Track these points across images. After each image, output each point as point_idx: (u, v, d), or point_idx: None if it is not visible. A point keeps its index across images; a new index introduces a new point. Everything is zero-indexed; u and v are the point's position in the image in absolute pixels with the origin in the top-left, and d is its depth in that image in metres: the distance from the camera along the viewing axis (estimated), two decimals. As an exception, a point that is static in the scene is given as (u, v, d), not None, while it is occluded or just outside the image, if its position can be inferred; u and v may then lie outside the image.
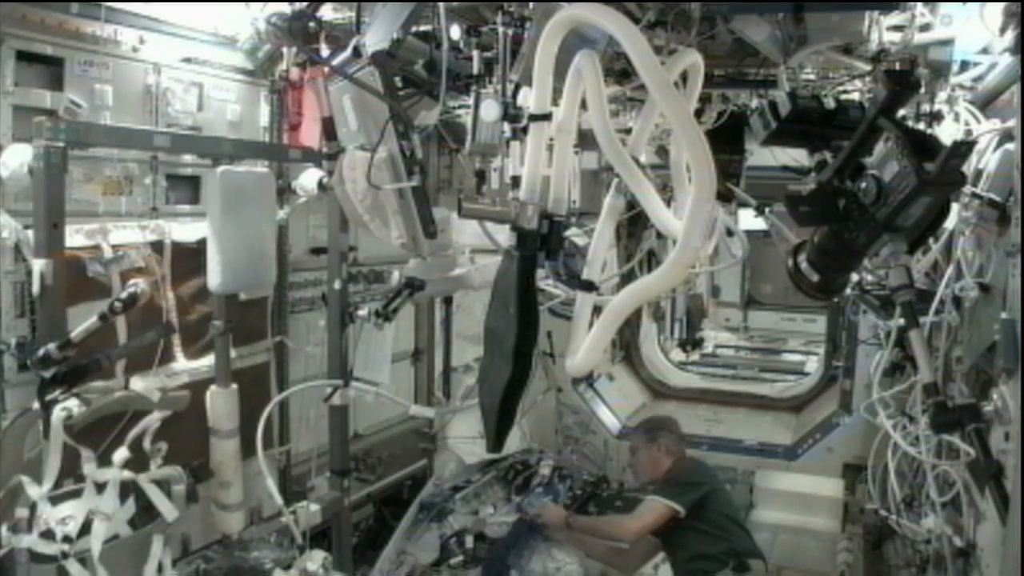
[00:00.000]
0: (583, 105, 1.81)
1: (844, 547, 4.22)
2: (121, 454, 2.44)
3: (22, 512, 2.31)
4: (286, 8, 2.57)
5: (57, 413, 2.30)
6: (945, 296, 3.25)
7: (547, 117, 1.79)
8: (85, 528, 2.32)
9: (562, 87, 1.82)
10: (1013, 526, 1.89)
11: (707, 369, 7.46)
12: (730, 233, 3.35)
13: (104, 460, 2.45)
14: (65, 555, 2.26)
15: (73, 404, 2.33)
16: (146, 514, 2.48)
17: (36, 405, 2.36)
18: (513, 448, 5.19)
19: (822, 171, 1.38)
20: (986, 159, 2.89)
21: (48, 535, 2.27)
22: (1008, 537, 1.99)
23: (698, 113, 3.84)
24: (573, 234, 4.35)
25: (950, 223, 3.30)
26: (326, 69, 2.26)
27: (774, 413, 5.95)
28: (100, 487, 2.39)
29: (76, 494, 2.36)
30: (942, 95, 3.29)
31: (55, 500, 2.32)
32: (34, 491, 2.31)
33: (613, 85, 3.10)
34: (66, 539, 2.26)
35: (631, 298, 1.72)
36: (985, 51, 3.06)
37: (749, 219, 3.98)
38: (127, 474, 2.45)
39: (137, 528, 2.44)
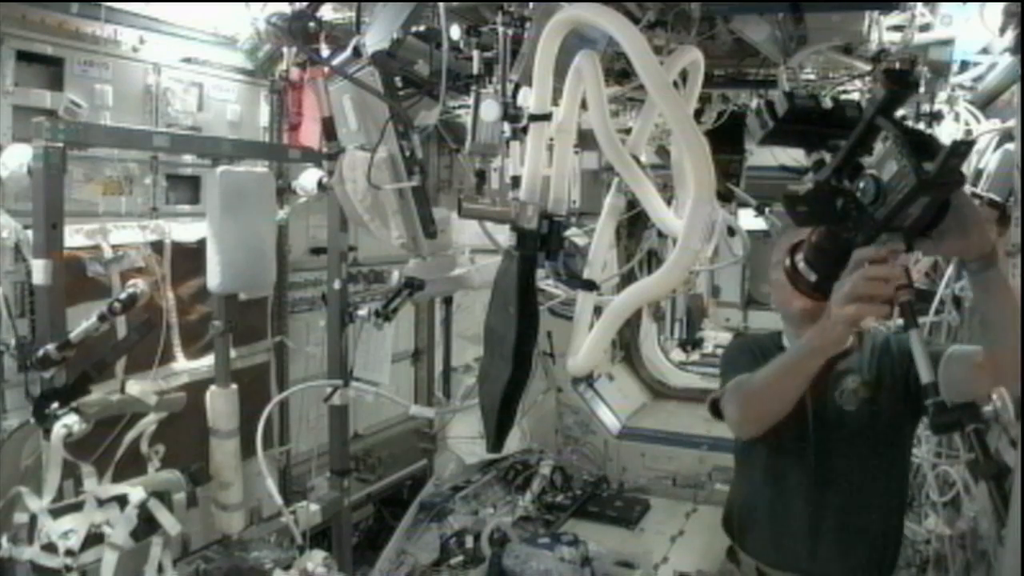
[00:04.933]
0: (583, 105, 1.81)
1: (844, 547, 4.21)
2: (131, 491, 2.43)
3: (21, 517, 2.30)
4: (286, 8, 2.57)
5: (57, 431, 2.28)
6: (945, 296, 3.25)
7: (547, 117, 1.79)
8: (87, 541, 2.30)
9: (562, 87, 1.82)
10: (1013, 526, 1.89)
11: (707, 369, 7.44)
12: (732, 232, 3.34)
13: (102, 463, 2.44)
14: (68, 569, 2.24)
15: (73, 421, 2.31)
16: (148, 525, 2.46)
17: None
18: (513, 448, 5.19)
19: (820, 171, 1.38)
20: (986, 159, 2.89)
21: (50, 548, 2.25)
22: (1008, 537, 1.99)
23: (698, 113, 3.84)
24: (573, 234, 4.35)
25: (950, 223, 3.31)
26: (326, 69, 2.26)
27: (774, 413, 5.93)
28: (101, 500, 2.38)
29: (77, 507, 2.35)
30: (942, 95, 3.30)
31: (56, 513, 2.31)
32: (34, 504, 2.30)
33: (613, 85, 3.10)
34: (68, 553, 2.25)
35: (632, 299, 1.72)
36: (985, 51, 3.06)
37: (749, 219, 3.98)
38: (128, 488, 2.44)
39: (139, 539, 2.43)
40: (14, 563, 2.27)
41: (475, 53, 2.16)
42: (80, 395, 2.38)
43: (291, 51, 3.31)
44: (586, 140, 1.93)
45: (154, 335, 2.98)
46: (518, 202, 1.77)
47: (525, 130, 1.88)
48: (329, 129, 2.44)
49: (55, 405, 2.32)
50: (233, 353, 3.25)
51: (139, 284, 2.63)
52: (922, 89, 3.16)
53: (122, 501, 2.41)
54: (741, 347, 2.42)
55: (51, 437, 2.29)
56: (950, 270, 3.23)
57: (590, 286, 1.92)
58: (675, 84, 1.86)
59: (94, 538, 2.33)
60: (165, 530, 2.50)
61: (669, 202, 1.87)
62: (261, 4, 2.94)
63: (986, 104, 3.28)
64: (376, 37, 2.11)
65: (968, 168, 2.88)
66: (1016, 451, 2.06)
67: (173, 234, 3.08)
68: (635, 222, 5.04)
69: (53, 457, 2.31)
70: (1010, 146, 2.72)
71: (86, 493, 2.37)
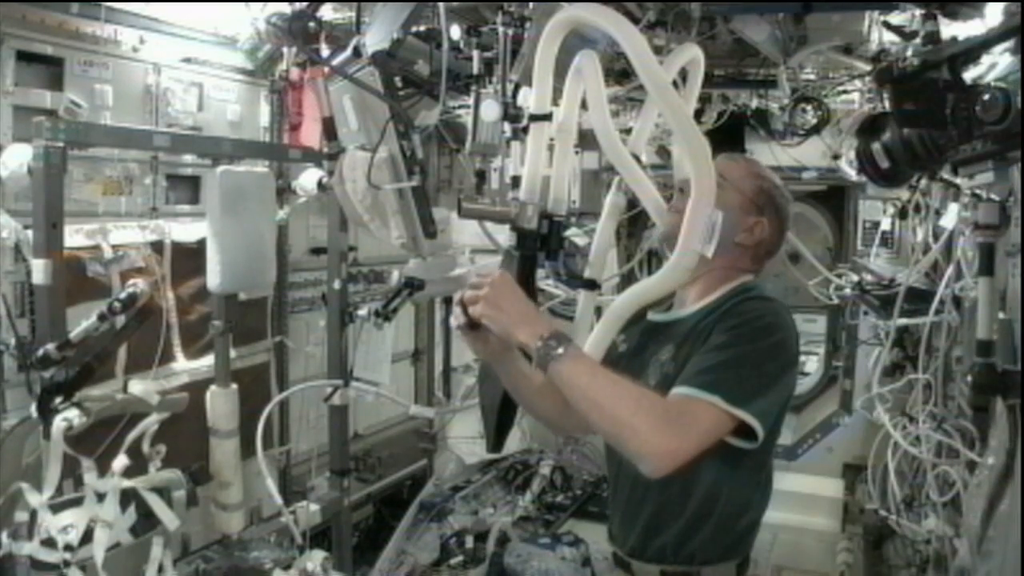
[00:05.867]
0: (583, 105, 1.81)
1: (844, 547, 4.22)
2: (121, 462, 2.42)
3: (22, 516, 2.31)
4: (286, 8, 2.57)
5: (58, 424, 2.29)
6: (945, 296, 3.25)
7: (547, 117, 1.79)
8: (86, 536, 2.30)
9: (562, 87, 1.82)
10: (1013, 525, 1.89)
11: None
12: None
13: (103, 462, 2.44)
14: (67, 563, 2.25)
15: (74, 415, 2.31)
16: (147, 521, 2.47)
17: (35, 413, 2.36)
18: (513, 448, 5.19)
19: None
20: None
21: (49, 543, 2.26)
22: (1009, 535, 1.99)
23: (698, 113, 3.84)
24: (573, 234, 4.35)
25: (950, 223, 3.31)
26: (326, 69, 2.26)
27: (774, 413, 5.93)
28: (101, 495, 2.38)
29: (77, 502, 2.35)
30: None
31: (55, 508, 2.31)
32: (34, 499, 2.30)
33: (613, 85, 3.10)
34: (67, 548, 2.25)
35: (633, 299, 1.71)
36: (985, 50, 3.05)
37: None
38: (127, 483, 2.44)
39: (139, 535, 2.44)
40: (14, 560, 2.27)
41: (475, 53, 2.16)
42: (82, 385, 2.39)
43: (291, 51, 3.32)
44: (586, 140, 1.93)
45: (154, 335, 2.98)
46: (518, 202, 1.76)
47: (525, 130, 1.88)
48: (329, 129, 2.44)
49: (59, 400, 2.32)
50: (233, 353, 3.25)
51: (139, 284, 2.62)
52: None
53: (123, 496, 2.42)
54: None
55: (51, 431, 2.29)
56: (950, 270, 3.23)
57: (591, 285, 1.92)
58: (675, 83, 1.86)
59: (93, 533, 2.33)
60: (164, 527, 2.50)
61: (669, 201, 1.87)
62: (261, 4, 2.94)
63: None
64: (376, 37, 2.11)
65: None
66: (1017, 452, 2.06)
67: (173, 234, 3.08)
68: (635, 222, 5.03)
69: (53, 451, 2.31)
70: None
71: (86, 487, 2.37)
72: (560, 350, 1.44)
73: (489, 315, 1.52)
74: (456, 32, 2.30)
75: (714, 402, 1.45)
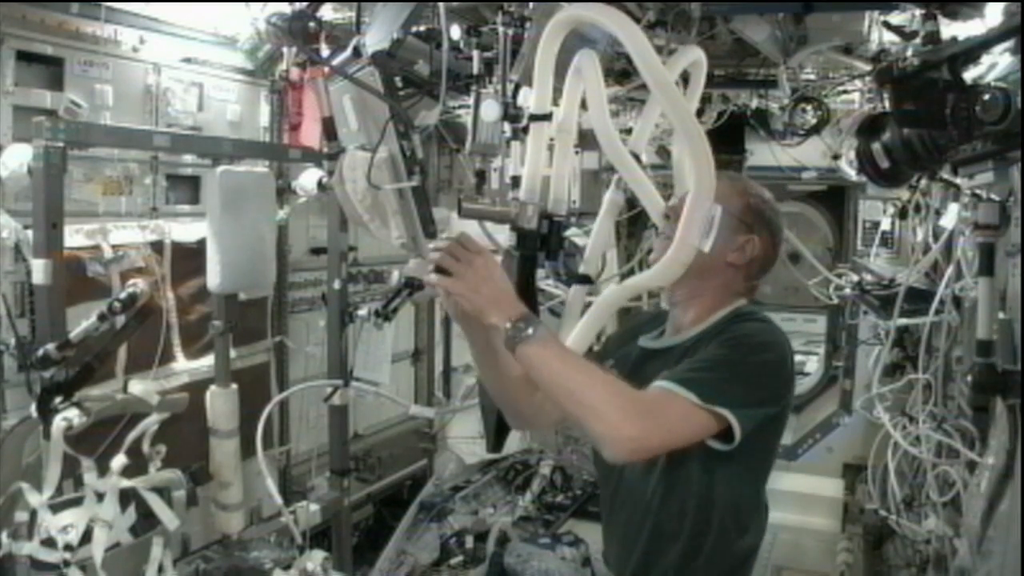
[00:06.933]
0: (583, 105, 1.81)
1: (844, 547, 4.22)
2: (119, 461, 2.42)
3: (22, 516, 2.31)
4: (286, 8, 2.56)
5: (58, 423, 2.29)
6: (945, 296, 3.25)
7: (547, 117, 1.79)
8: (86, 536, 2.30)
9: (562, 87, 1.82)
10: (1013, 525, 1.90)
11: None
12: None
13: (103, 462, 2.45)
14: (67, 563, 2.25)
15: (73, 414, 2.31)
16: (147, 521, 2.47)
17: (35, 413, 2.35)
18: (513, 448, 5.19)
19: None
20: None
21: (49, 543, 2.26)
22: (1009, 535, 1.99)
23: (698, 113, 3.84)
24: (573, 234, 4.35)
25: (950, 223, 3.31)
26: (326, 69, 2.25)
27: (774, 413, 5.92)
28: (101, 495, 2.38)
29: (77, 502, 2.35)
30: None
31: (55, 508, 2.31)
32: (34, 499, 2.30)
33: (613, 85, 3.10)
34: (67, 547, 2.25)
35: (625, 291, 1.72)
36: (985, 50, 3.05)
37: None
38: (127, 483, 2.44)
39: (139, 535, 2.44)
40: (14, 560, 2.27)
41: (475, 53, 2.16)
42: (82, 385, 2.39)
43: (291, 51, 3.32)
44: (586, 140, 1.93)
45: (154, 335, 2.98)
46: (518, 202, 1.77)
47: (525, 130, 1.88)
48: (329, 129, 2.44)
49: (59, 400, 2.32)
50: (233, 353, 3.25)
51: (139, 284, 2.62)
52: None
53: (123, 496, 2.42)
54: None
55: (51, 431, 2.29)
56: (950, 270, 3.23)
57: (584, 280, 1.93)
58: (676, 84, 1.86)
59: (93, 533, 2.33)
60: (164, 527, 2.50)
61: (667, 201, 1.87)
62: (261, 4, 2.94)
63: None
64: (376, 37, 2.11)
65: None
66: (1017, 452, 2.06)
67: (173, 234, 3.08)
68: (635, 222, 5.03)
69: (53, 451, 2.31)
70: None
71: (86, 487, 2.37)
72: (529, 331, 1.43)
73: (465, 296, 1.50)
74: (456, 32, 2.30)
75: (687, 397, 1.44)
